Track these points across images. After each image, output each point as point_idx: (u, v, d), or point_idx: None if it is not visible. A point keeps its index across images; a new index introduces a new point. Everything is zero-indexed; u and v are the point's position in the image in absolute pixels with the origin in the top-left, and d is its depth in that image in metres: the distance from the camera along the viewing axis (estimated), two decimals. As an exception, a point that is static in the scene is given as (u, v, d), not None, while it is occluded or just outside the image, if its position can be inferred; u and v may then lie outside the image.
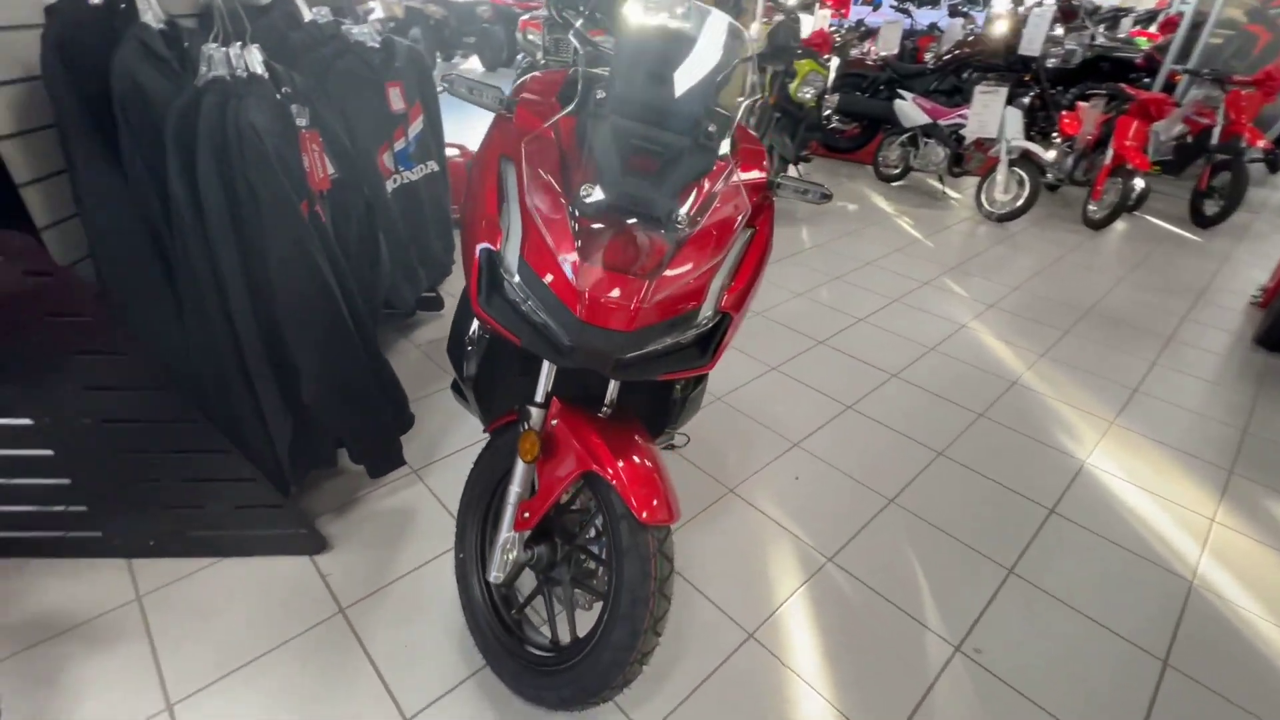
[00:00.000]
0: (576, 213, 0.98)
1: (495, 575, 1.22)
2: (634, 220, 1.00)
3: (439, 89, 1.13)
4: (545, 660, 1.26)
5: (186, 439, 1.39)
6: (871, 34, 5.71)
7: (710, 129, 1.06)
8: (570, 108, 1.07)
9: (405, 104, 2.05)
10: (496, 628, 1.34)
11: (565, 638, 1.30)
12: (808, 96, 3.86)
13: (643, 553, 1.13)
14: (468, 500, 1.41)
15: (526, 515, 1.20)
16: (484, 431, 1.40)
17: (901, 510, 1.86)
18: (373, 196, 1.82)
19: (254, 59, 1.31)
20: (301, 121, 1.37)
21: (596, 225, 0.99)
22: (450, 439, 2.01)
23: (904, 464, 2.05)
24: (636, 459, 1.16)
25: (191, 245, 1.26)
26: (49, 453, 1.39)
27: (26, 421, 1.35)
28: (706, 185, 1.07)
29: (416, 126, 2.16)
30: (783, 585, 1.61)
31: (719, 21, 1.12)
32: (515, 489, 1.20)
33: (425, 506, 1.76)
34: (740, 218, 1.08)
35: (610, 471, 1.12)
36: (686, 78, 1.06)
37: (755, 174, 1.17)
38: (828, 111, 5.21)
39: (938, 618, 1.55)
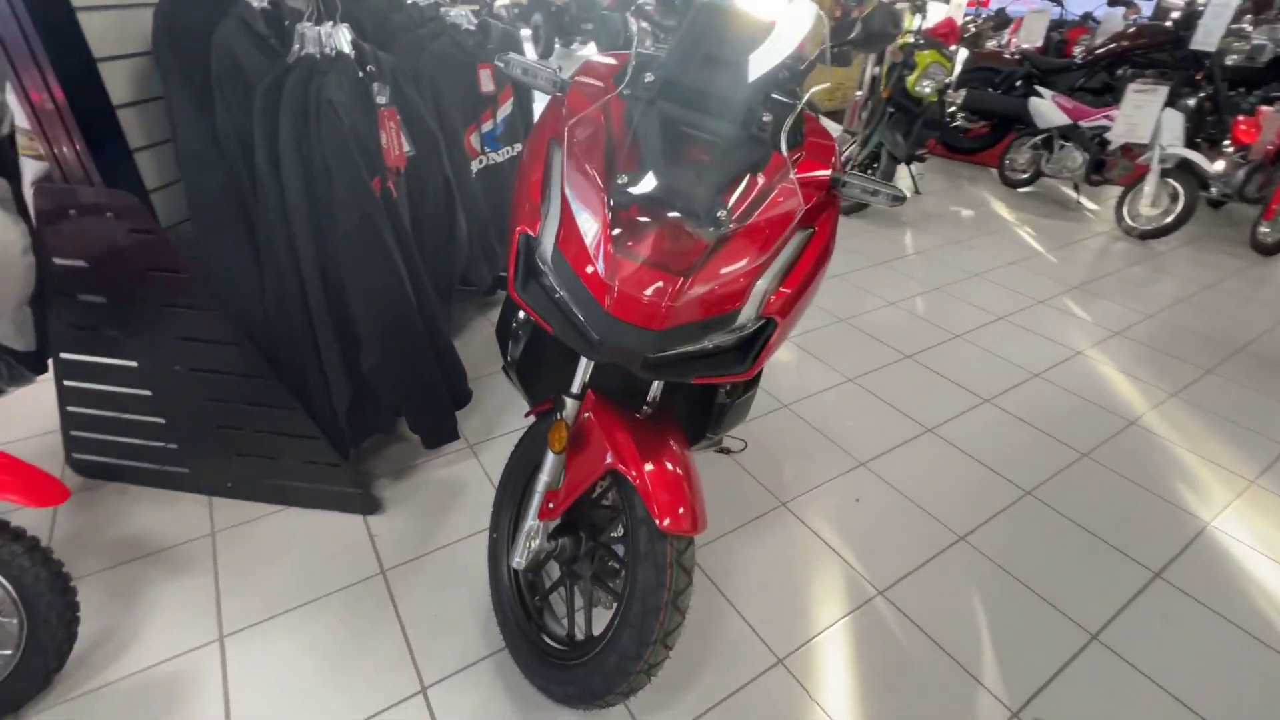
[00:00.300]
0: (613, 203, 0.94)
1: (517, 561, 1.21)
2: (675, 214, 0.95)
3: (499, 65, 1.12)
4: (558, 653, 1.25)
5: (259, 394, 1.49)
6: (1010, 24, 5.20)
7: (765, 119, 0.98)
8: (618, 90, 1.03)
9: (495, 86, 2.08)
10: (518, 612, 1.34)
11: (581, 633, 1.29)
12: (926, 90, 3.58)
13: (659, 561, 1.08)
14: (505, 482, 1.42)
15: (551, 506, 1.18)
16: (525, 416, 1.40)
17: (972, 550, 1.69)
18: (453, 175, 1.87)
19: (341, 38, 1.37)
20: (381, 100, 1.42)
21: (635, 217, 0.95)
22: (509, 418, 2.05)
23: (983, 499, 1.86)
24: (666, 464, 1.11)
25: (271, 214, 1.34)
26: (148, 393, 1.54)
27: (132, 364, 1.50)
28: (760, 180, 0.99)
29: (506, 109, 2.19)
30: (824, 613, 1.51)
31: (795, 5, 1.04)
32: (544, 478, 1.19)
33: (475, 481, 1.80)
34: (794, 217, 0.99)
35: (634, 473, 1.08)
36: (746, 63, 0.99)
37: (818, 170, 1.07)
38: (951, 108, 4.83)
39: (996, 676, 1.40)
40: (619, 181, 0.93)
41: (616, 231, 0.93)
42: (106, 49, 1.22)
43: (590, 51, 8.70)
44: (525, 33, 7.82)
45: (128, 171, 1.31)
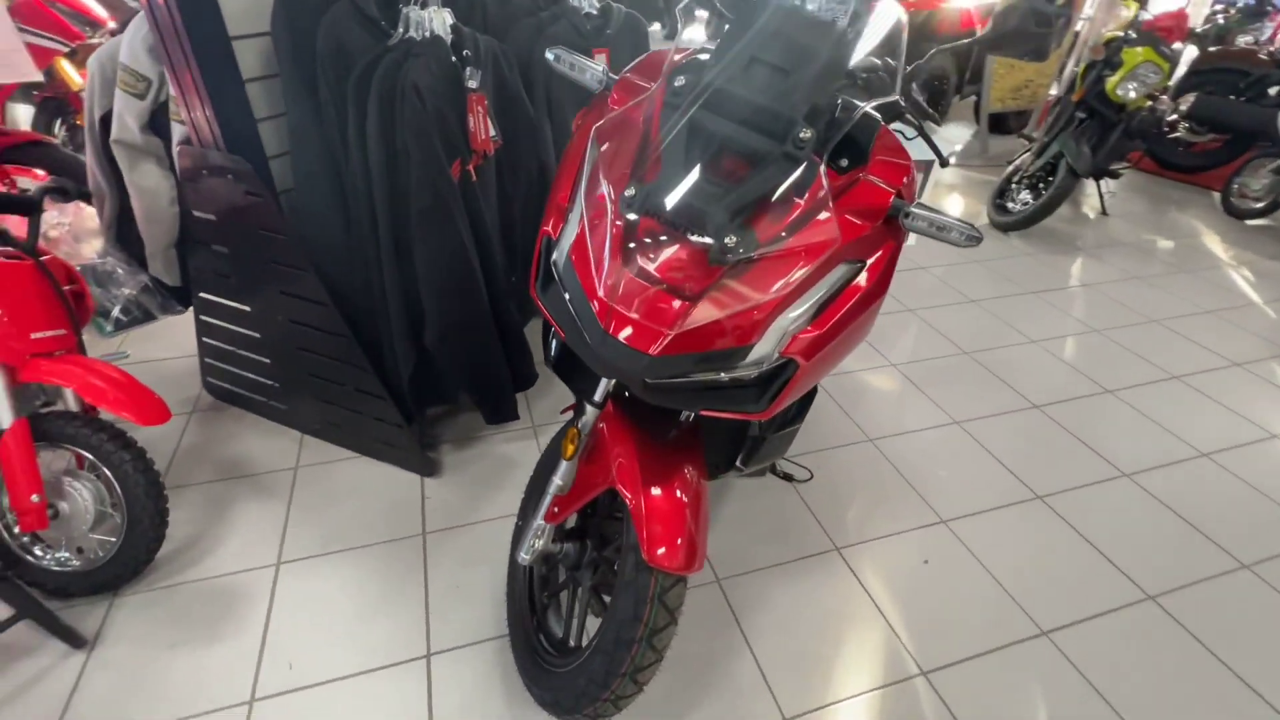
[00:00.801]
0: (629, 214, 0.87)
1: (522, 557, 1.22)
2: (693, 234, 0.86)
3: (549, 58, 1.09)
4: (547, 654, 1.24)
5: (340, 351, 1.62)
6: (1270, 15, 4.21)
7: (803, 134, 0.85)
8: (652, 89, 0.95)
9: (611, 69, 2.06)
10: (524, 604, 1.35)
11: (574, 640, 1.27)
12: (1131, 95, 3.02)
13: (640, 594, 1.03)
14: (536, 473, 1.43)
15: (556, 510, 1.17)
16: (560, 412, 1.39)
17: (1054, 651, 1.44)
18: (550, 160, 1.88)
19: (440, 22, 1.41)
20: (472, 84, 1.46)
21: (650, 232, 0.88)
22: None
23: (1086, 592, 1.57)
24: (671, 492, 1.04)
25: (358, 187, 1.43)
26: (258, 335, 1.74)
27: (246, 309, 1.70)
28: (800, 202, 0.88)
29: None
30: (851, 679, 1.36)
31: (880, 7, 0.90)
32: (556, 480, 1.17)
33: (528, 462, 1.84)
34: (828, 248, 0.87)
35: (630, 495, 1.03)
36: (796, 70, 0.87)
37: (877, 197, 0.93)
38: (1172, 116, 4.05)
39: (1042, 807, 1.18)
40: (626, 193, 0.87)
41: (630, 245, 0.87)
42: (240, 28, 1.36)
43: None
44: (654, 27, 7.59)
45: (251, 139, 1.46)
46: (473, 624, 1.43)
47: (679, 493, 1.05)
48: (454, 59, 1.43)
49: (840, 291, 0.94)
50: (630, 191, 0.87)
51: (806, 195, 0.87)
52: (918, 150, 1.24)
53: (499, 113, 1.65)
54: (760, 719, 1.29)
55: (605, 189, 0.90)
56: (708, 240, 0.84)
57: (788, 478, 1.83)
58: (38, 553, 1.40)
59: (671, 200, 0.85)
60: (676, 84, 0.93)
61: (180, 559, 1.53)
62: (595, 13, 2.01)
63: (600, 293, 0.87)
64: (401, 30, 1.40)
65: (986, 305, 2.78)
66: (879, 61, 1.03)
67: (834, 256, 0.90)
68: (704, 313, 0.85)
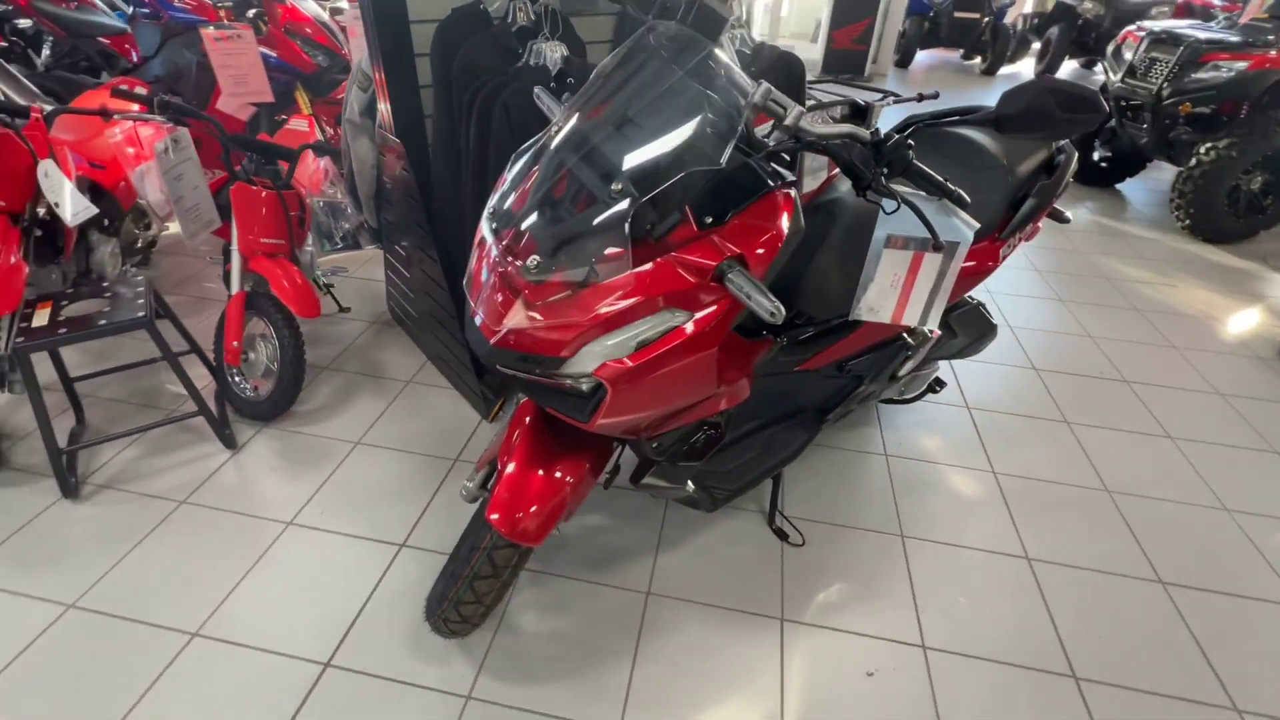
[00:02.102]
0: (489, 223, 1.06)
1: (461, 494, 1.48)
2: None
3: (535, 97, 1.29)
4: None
5: (441, 301, 2.06)
6: None
7: (615, 186, 0.93)
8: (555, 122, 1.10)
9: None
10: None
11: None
12: None
13: (476, 541, 1.22)
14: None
15: (481, 463, 1.40)
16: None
17: (953, 831, 1.21)
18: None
19: (551, 54, 1.70)
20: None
21: (509, 242, 1.04)
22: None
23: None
24: (534, 472, 1.20)
25: (465, 180, 1.81)
26: (407, 275, 2.27)
27: (402, 253, 2.24)
28: (618, 249, 0.96)
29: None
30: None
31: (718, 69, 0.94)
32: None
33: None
34: (631, 291, 0.94)
35: (502, 462, 1.22)
36: (650, 129, 0.94)
37: (708, 256, 0.96)
38: None
39: None
40: (490, 207, 1.05)
41: (493, 252, 1.06)
42: (422, 48, 1.83)
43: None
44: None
45: (416, 129, 1.94)
46: (446, 539, 1.74)
47: (543, 474, 1.20)
48: (552, 85, 1.72)
49: (664, 335, 0.99)
50: (493, 207, 1.05)
51: (618, 241, 0.94)
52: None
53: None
54: None
55: (494, 190, 1.09)
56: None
57: (781, 535, 1.78)
58: (237, 380, 2.11)
59: (517, 221, 1.01)
60: (562, 121, 1.07)
61: (307, 415, 2.13)
62: (745, 50, 2.12)
63: (466, 283, 1.07)
64: (525, 58, 1.73)
65: (1187, 447, 2.18)
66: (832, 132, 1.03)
67: (650, 302, 0.96)
68: (521, 319, 0.99)
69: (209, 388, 2.19)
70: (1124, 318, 2.96)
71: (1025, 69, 9.23)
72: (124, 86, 2.55)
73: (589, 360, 1.01)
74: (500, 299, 1.01)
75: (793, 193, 1.07)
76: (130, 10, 3.11)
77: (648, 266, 0.97)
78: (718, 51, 1.06)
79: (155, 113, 1.89)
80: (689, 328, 0.99)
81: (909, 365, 1.74)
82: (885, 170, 1.13)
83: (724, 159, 0.91)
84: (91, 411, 2.09)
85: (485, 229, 1.08)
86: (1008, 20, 8.46)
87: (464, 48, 1.71)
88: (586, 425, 1.07)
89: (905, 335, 1.71)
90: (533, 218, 1.01)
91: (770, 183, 1.03)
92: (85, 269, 2.27)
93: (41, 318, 1.66)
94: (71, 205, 1.76)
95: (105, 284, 1.81)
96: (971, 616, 1.60)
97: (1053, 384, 2.47)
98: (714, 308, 1.00)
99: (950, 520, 1.86)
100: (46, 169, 1.76)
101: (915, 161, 1.12)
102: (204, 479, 1.87)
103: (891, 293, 1.31)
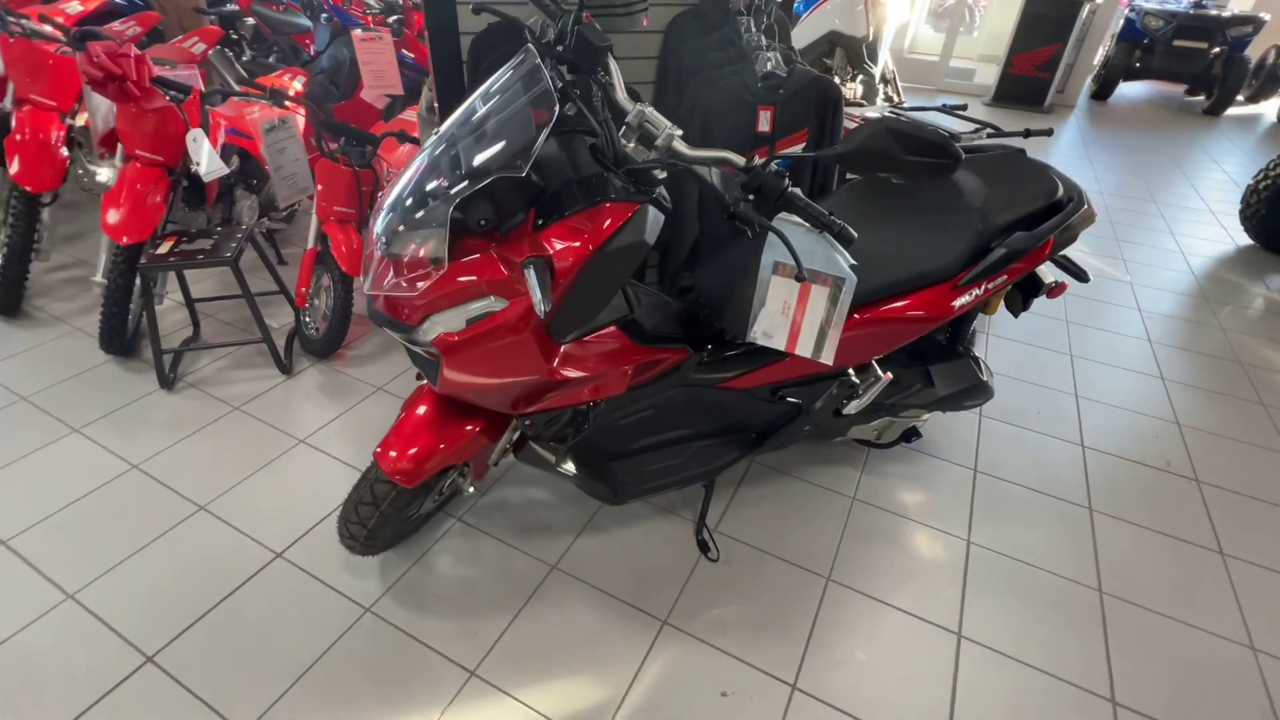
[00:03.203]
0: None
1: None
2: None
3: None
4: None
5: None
6: None
7: (444, 185, 1.07)
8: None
9: (771, 128, 2.15)
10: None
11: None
12: None
13: (366, 472, 1.43)
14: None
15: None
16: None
17: None
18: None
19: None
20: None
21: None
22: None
23: None
24: (431, 426, 1.39)
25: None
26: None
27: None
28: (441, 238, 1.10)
29: (789, 152, 2.21)
30: (546, 700, 1.45)
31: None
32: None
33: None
34: (462, 280, 1.09)
35: (403, 412, 1.43)
36: (486, 139, 1.08)
37: (516, 253, 1.08)
38: None
39: None
40: (380, 198, 1.24)
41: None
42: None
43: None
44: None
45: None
46: (411, 480, 2.00)
47: (430, 428, 1.39)
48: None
49: (485, 317, 1.12)
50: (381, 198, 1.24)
51: (441, 232, 1.08)
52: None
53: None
54: (458, 659, 1.52)
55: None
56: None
57: (702, 547, 1.81)
58: (305, 320, 2.54)
59: (389, 204, 1.19)
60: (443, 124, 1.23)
61: (353, 359, 2.51)
62: (779, 73, 2.13)
63: (366, 252, 1.28)
64: (543, 69, 1.93)
65: (1237, 568, 1.83)
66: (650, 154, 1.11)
67: (476, 286, 1.10)
68: (389, 288, 1.17)
69: (290, 324, 2.66)
70: (1238, 410, 2.49)
71: (1269, 110, 7.75)
72: (287, 76, 3.13)
73: (431, 331, 1.17)
74: (379, 268, 1.21)
75: (644, 206, 1.15)
76: (312, 14, 3.79)
77: (475, 256, 1.11)
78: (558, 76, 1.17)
79: (268, 99, 2.36)
80: (504, 313, 1.12)
81: (855, 404, 1.68)
82: (751, 197, 1.17)
83: (526, 168, 1.02)
84: (206, 327, 2.65)
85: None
86: (1249, 51, 7.16)
87: (491, 57, 1.94)
88: (436, 388, 1.23)
89: (851, 371, 1.66)
90: (392, 201, 1.19)
91: (607, 194, 1.11)
92: (227, 217, 2.85)
93: (165, 247, 2.17)
94: (207, 164, 2.26)
95: (218, 229, 2.30)
96: (862, 673, 1.53)
97: (1096, 465, 2.18)
98: (522, 298, 1.11)
99: (889, 576, 1.76)
100: (194, 135, 2.27)
101: (791, 191, 1.14)
102: (257, 394, 2.30)
103: (784, 320, 1.32)
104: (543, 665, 1.51)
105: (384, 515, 1.46)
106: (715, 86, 2.13)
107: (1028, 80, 6.94)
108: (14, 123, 2.41)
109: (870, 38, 4.08)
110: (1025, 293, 1.82)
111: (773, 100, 2.13)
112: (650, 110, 1.17)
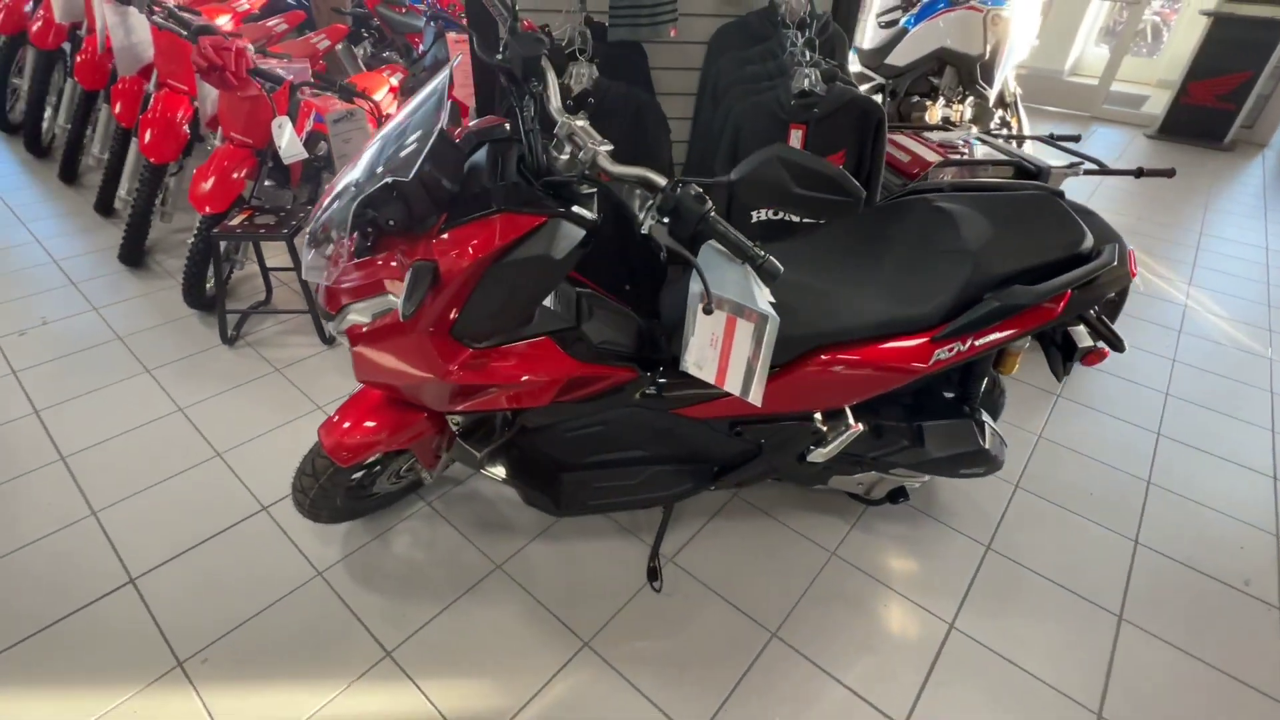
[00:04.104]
0: None
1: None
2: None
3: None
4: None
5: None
6: None
7: (355, 186, 1.09)
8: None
9: (802, 147, 2.01)
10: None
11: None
12: None
13: (314, 447, 1.52)
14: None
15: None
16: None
17: None
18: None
19: (579, 73, 1.87)
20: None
21: None
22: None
23: None
24: (378, 408, 1.46)
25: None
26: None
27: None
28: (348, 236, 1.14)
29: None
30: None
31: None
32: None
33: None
34: (368, 278, 1.13)
35: (353, 394, 1.51)
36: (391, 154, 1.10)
37: (411, 255, 1.09)
38: None
39: None
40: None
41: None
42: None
43: None
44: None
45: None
46: (400, 459, 2.10)
47: (372, 414, 1.45)
48: (569, 102, 1.89)
49: (388, 313, 1.15)
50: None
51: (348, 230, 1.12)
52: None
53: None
54: (363, 641, 1.58)
55: None
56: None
57: (651, 575, 1.74)
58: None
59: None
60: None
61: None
62: (816, 91, 2.01)
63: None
64: (568, 78, 1.94)
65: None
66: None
67: (378, 284, 1.13)
68: (310, 274, 1.24)
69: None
70: (1370, 532, 2.01)
71: None
72: (386, 71, 3.40)
73: (345, 321, 1.22)
74: (311, 258, 1.28)
75: (553, 221, 1.12)
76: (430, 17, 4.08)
77: (383, 254, 1.14)
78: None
79: (336, 93, 2.57)
80: (397, 312, 1.14)
81: (821, 453, 1.54)
82: (666, 221, 1.11)
83: (411, 174, 1.03)
84: (279, 294, 2.94)
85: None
86: None
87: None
88: (357, 376, 1.28)
89: (818, 417, 1.53)
90: (325, 199, 1.24)
91: (503, 205, 1.10)
92: (312, 197, 3.15)
93: (237, 219, 2.43)
94: (287, 148, 2.50)
95: (285, 208, 2.55)
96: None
97: (1146, 567, 1.85)
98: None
99: (844, 646, 1.60)
100: (279, 121, 2.53)
101: (711, 218, 1.08)
102: (298, 360, 2.52)
103: (713, 352, 1.25)
104: (454, 661, 1.53)
105: (323, 488, 1.54)
106: (748, 101, 2.05)
107: (1205, 112, 6.02)
108: (150, 102, 2.81)
109: (986, 56, 3.73)
110: (1066, 355, 1.58)
111: (805, 119, 2.00)
112: (580, 124, 1.15)
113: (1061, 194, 1.53)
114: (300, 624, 1.59)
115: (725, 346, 1.22)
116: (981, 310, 1.29)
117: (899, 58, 3.77)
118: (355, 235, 1.14)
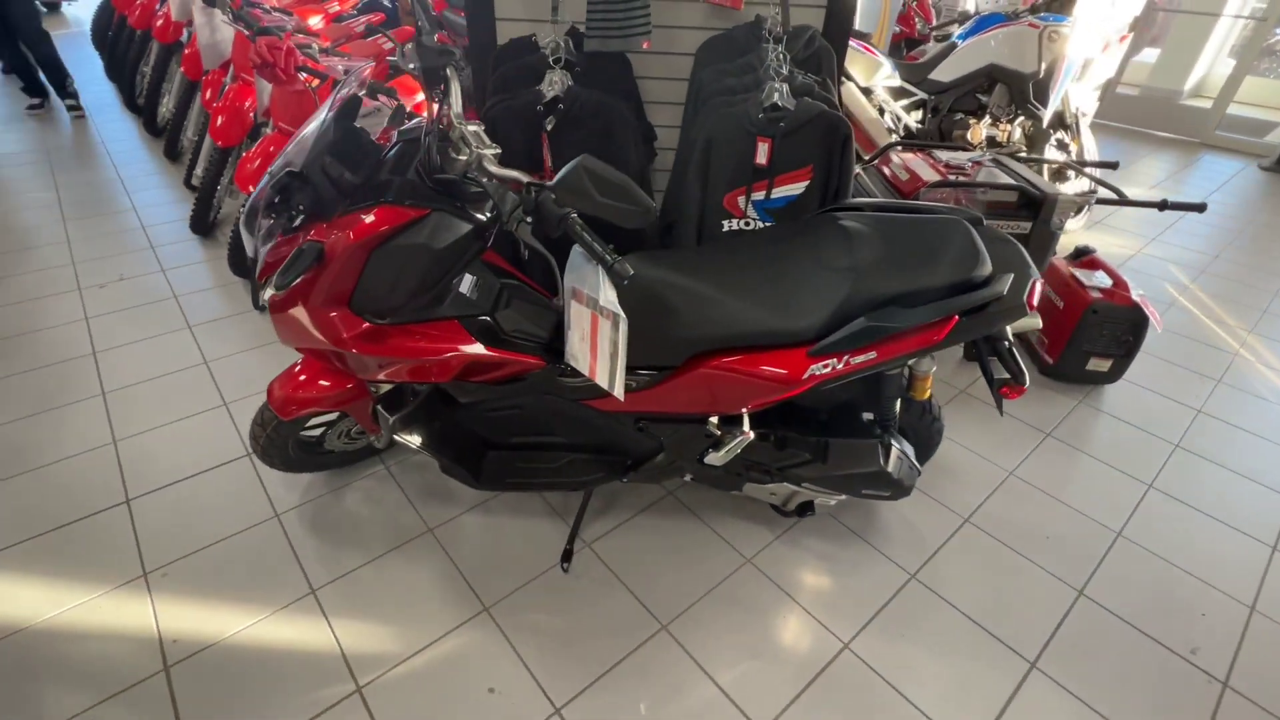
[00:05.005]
0: None
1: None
2: None
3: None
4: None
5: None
6: None
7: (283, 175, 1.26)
8: None
9: (768, 161, 2.03)
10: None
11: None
12: None
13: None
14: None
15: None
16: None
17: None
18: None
19: (551, 80, 2.00)
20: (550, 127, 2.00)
21: None
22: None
23: None
24: (317, 371, 1.65)
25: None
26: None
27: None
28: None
29: (792, 188, 2.08)
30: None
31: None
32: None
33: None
34: (277, 257, 1.30)
35: (303, 356, 1.70)
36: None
37: (317, 236, 1.24)
38: None
39: None
40: None
41: None
42: (507, 66, 2.31)
43: None
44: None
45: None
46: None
47: (316, 375, 1.64)
48: (539, 108, 2.01)
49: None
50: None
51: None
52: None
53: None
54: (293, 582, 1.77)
55: None
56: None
57: (565, 557, 1.84)
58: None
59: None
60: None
61: (395, 316, 2.91)
62: (785, 106, 2.03)
63: None
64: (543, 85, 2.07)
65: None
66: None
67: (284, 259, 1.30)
68: (252, 254, 1.43)
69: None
70: (1371, 620, 1.80)
71: None
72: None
73: (267, 292, 1.39)
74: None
75: (432, 214, 1.25)
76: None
77: (302, 233, 1.30)
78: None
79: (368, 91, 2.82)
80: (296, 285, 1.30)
81: (716, 457, 1.58)
82: (530, 219, 1.21)
83: (301, 165, 1.18)
84: (315, 270, 3.25)
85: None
86: None
87: (505, 66, 2.14)
88: (280, 340, 1.46)
89: (713, 420, 1.57)
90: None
91: (386, 198, 1.23)
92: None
93: (274, 200, 2.73)
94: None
95: (318, 190, 2.83)
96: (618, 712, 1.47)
97: (1082, 617, 1.75)
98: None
99: (730, 649, 1.64)
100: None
101: (570, 220, 1.17)
102: (315, 328, 2.80)
103: (584, 346, 1.35)
104: (365, 606, 1.69)
105: (270, 438, 1.75)
106: (719, 114, 2.10)
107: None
108: (225, 91, 3.20)
109: (1040, 74, 3.54)
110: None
111: (771, 133, 2.03)
112: (470, 128, 1.27)
113: (979, 220, 1.49)
114: (250, 556, 1.81)
115: (593, 342, 1.31)
116: (853, 329, 1.30)
117: (944, 73, 3.65)
118: (275, 215, 1.32)
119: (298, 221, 1.29)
